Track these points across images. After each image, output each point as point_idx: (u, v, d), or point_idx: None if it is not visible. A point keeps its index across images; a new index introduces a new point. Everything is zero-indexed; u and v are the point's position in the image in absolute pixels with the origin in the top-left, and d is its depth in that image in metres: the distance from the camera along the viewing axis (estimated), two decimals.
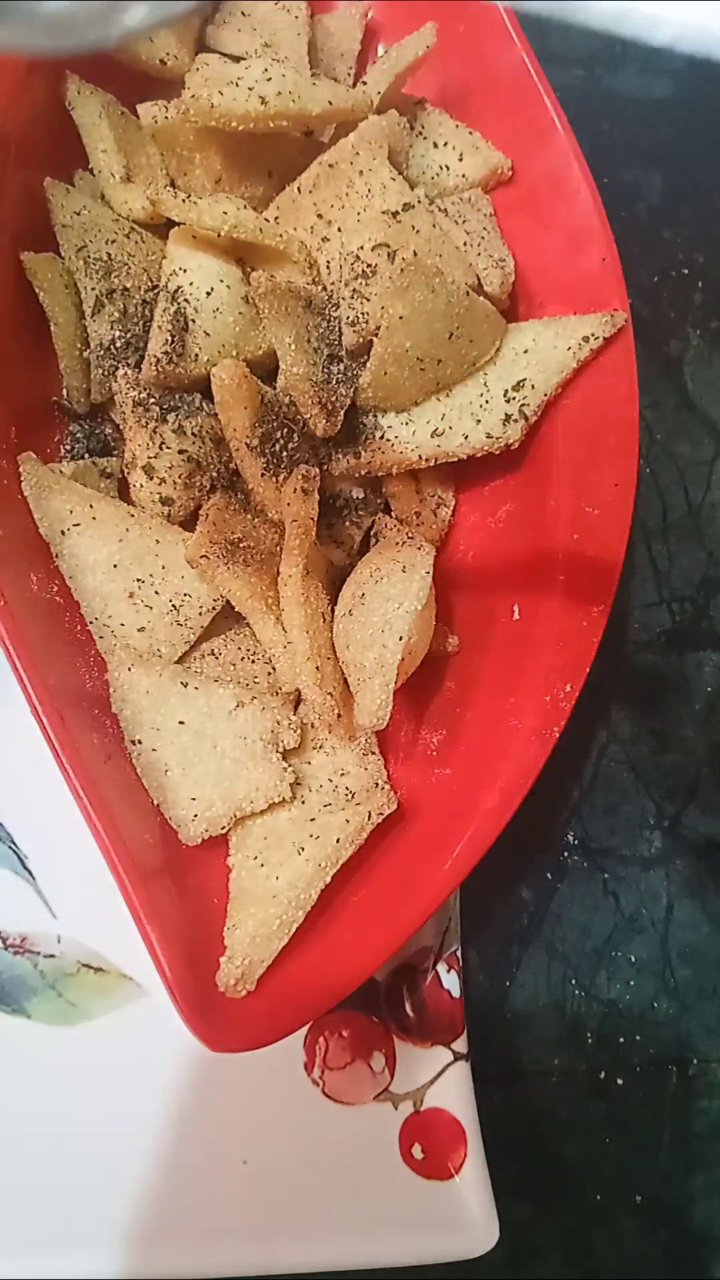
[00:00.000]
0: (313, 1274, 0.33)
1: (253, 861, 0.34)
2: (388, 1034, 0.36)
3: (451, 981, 0.37)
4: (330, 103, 0.37)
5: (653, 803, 0.42)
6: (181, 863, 0.34)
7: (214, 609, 0.36)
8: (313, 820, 0.34)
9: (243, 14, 0.41)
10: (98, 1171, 0.32)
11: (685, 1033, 0.39)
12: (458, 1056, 0.36)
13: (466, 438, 0.38)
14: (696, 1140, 0.38)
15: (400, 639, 0.33)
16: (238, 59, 0.39)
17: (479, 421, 0.38)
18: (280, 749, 0.35)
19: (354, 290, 0.37)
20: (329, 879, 0.33)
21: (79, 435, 0.38)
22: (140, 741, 0.34)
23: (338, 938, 0.32)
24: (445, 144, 0.41)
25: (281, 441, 0.37)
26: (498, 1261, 0.35)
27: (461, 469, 0.40)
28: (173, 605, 0.36)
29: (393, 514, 0.40)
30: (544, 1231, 0.37)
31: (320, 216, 0.38)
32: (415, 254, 0.36)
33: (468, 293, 0.37)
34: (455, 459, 0.38)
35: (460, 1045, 0.36)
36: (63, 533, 0.35)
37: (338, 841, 0.33)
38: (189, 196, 0.36)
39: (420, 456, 0.38)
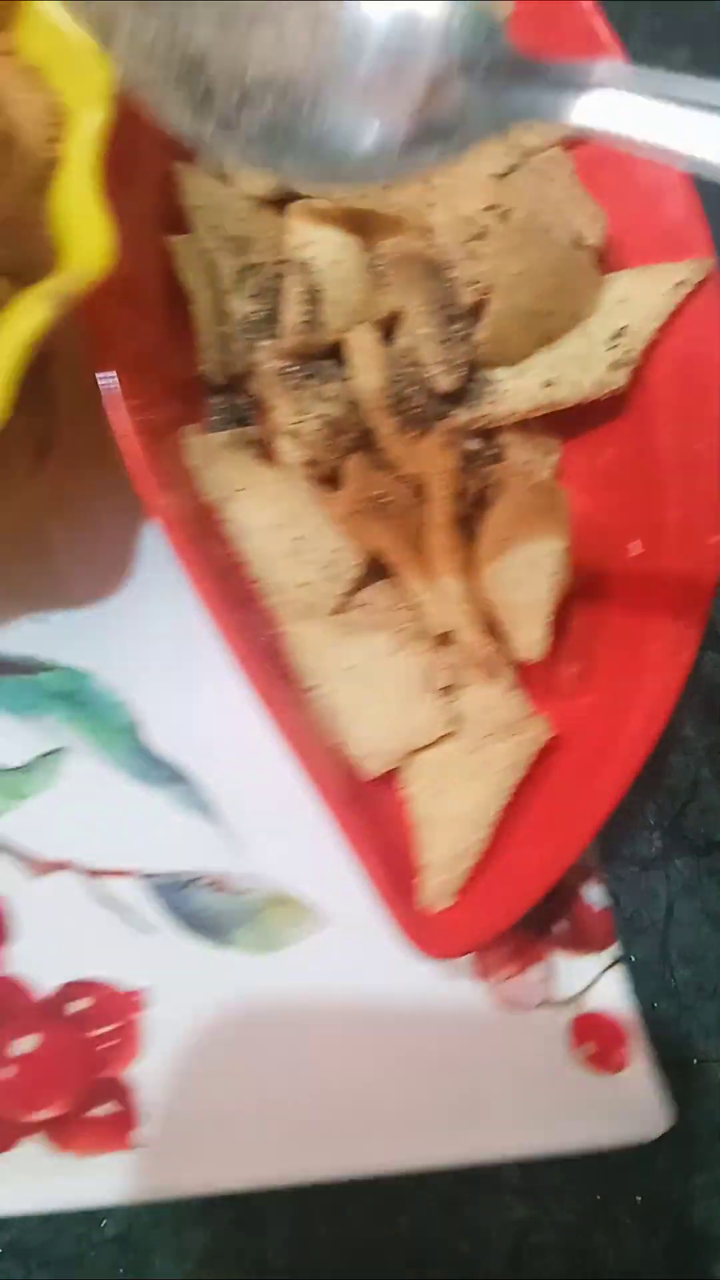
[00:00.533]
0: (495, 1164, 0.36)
1: (429, 791, 0.37)
2: (544, 946, 0.39)
3: (596, 895, 0.40)
4: None
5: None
6: (364, 795, 0.37)
7: (364, 562, 0.39)
8: (477, 751, 0.37)
9: None
10: (304, 1078, 0.34)
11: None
12: (612, 962, 0.39)
13: (577, 386, 0.40)
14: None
15: (550, 575, 0.36)
16: None
17: (586, 370, 0.41)
18: (436, 688, 0.38)
19: (469, 251, 0.39)
20: (505, 801, 0.36)
21: (220, 407, 0.40)
22: (316, 687, 0.37)
23: (517, 854, 0.35)
24: None
25: (410, 400, 0.40)
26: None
27: (564, 417, 0.43)
28: (327, 561, 0.38)
29: (504, 463, 0.43)
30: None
31: (426, 183, 0.41)
32: (529, 214, 0.38)
33: (573, 247, 0.40)
34: (566, 406, 0.41)
35: (612, 952, 0.39)
36: (227, 499, 0.38)
37: (508, 767, 0.36)
38: None
39: (534, 406, 0.40)
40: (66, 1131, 0.32)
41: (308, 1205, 0.35)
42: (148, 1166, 0.31)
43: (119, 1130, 0.32)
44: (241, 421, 0.41)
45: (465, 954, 0.35)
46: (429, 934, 0.33)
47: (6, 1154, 0.31)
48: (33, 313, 0.30)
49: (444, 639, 0.39)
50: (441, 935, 0.33)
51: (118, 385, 0.34)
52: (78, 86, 0.32)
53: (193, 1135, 0.32)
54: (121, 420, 0.34)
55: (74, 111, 0.32)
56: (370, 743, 0.37)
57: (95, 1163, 0.31)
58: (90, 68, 0.32)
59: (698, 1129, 0.39)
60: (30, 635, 0.37)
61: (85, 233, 0.31)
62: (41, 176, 0.32)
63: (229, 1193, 0.32)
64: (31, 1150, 0.31)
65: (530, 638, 0.36)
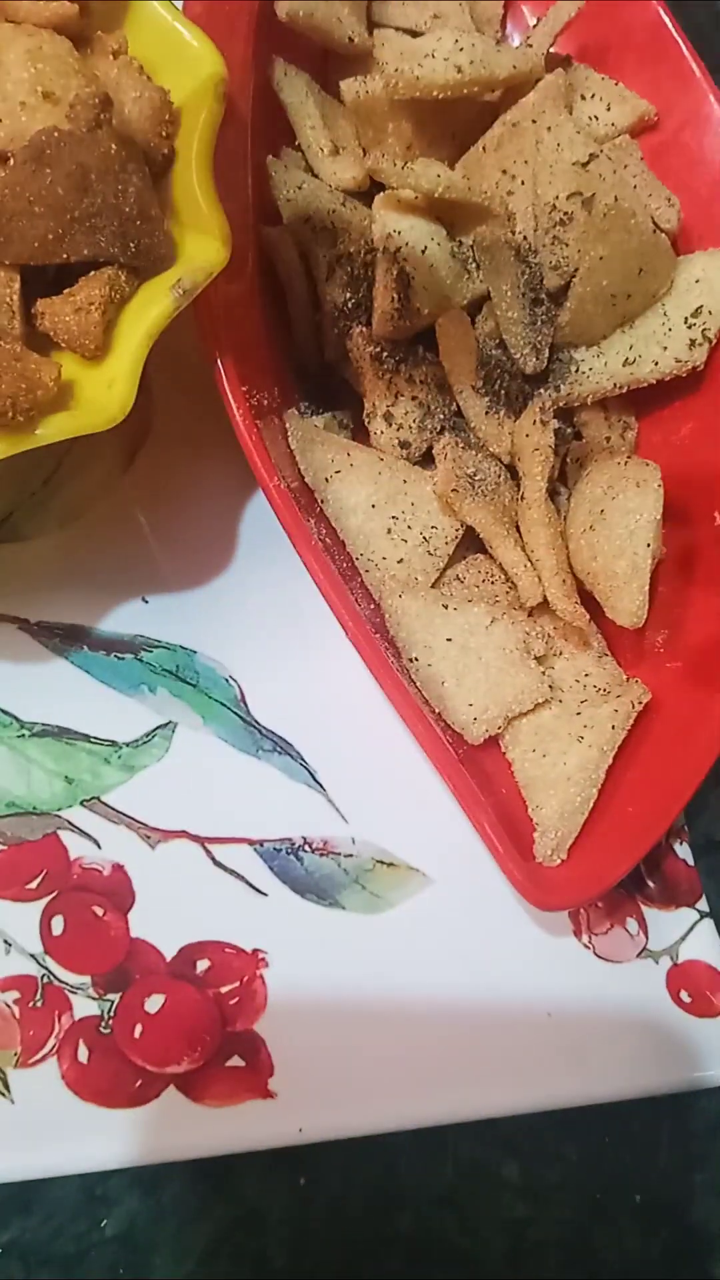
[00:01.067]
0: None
1: (533, 754, 0.38)
2: (635, 902, 0.41)
3: (684, 852, 0.41)
4: (514, 66, 0.40)
5: None
6: (471, 757, 0.38)
7: (457, 537, 0.40)
8: (578, 715, 0.38)
9: None
10: (416, 1030, 0.36)
11: None
12: (701, 915, 0.40)
13: (656, 364, 0.41)
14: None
15: (648, 545, 0.38)
16: (411, 32, 0.43)
17: (665, 348, 0.42)
18: (532, 656, 0.39)
19: (554, 237, 0.40)
20: (611, 760, 0.37)
21: (313, 392, 0.42)
22: (417, 659, 0.38)
23: (622, 810, 0.37)
24: (593, 95, 0.45)
25: (498, 381, 0.41)
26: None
27: (639, 394, 0.44)
28: (424, 537, 0.40)
29: (584, 440, 0.44)
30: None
31: (504, 172, 0.42)
32: (616, 200, 0.39)
33: (654, 231, 0.41)
34: (646, 384, 0.42)
35: (702, 905, 0.41)
36: (326, 480, 0.39)
37: (613, 729, 0.37)
38: (406, 164, 0.39)
39: (614, 385, 0.42)
40: (203, 1083, 0.33)
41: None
42: (281, 1114, 0.33)
43: (253, 1080, 0.33)
44: (333, 406, 0.43)
45: (578, 906, 0.37)
46: (544, 888, 0.34)
47: (149, 1106, 0.32)
48: (157, 305, 0.31)
49: (537, 609, 0.41)
50: (556, 889, 0.34)
51: (228, 372, 0.35)
52: (185, 83, 0.33)
53: (320, 1084, 0.34)
54: (233, 405, 0.35)
55: (183, 108, 0.33)
56: (473, 710, 0.38)
57: (232, 1111, 0.33)
58: (197, 65, 0.33)
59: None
60: (136, 616, 0.39)
61: (202, 226, 0.32)
62: (156, 172, 0.33)
63: (359, 1135, 0.34)
64: (172, 1101, 0.33)
65: (632, 605, 0.37)
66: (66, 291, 0.31)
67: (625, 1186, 0.38)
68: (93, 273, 0.31)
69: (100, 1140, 0.32)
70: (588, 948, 0.39)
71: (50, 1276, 0.34)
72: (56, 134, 0.30)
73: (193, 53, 0.33)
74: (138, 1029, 0.34)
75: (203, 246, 0.32)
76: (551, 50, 0.44)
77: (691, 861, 0.41)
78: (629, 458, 0.41)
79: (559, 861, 0.35)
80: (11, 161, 0.30)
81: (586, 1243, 0.38)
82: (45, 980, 0.34)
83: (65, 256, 0.31)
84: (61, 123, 0.31)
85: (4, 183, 0.30)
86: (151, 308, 0.31)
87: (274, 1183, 0.36)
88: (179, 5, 0.36)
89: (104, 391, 0.31)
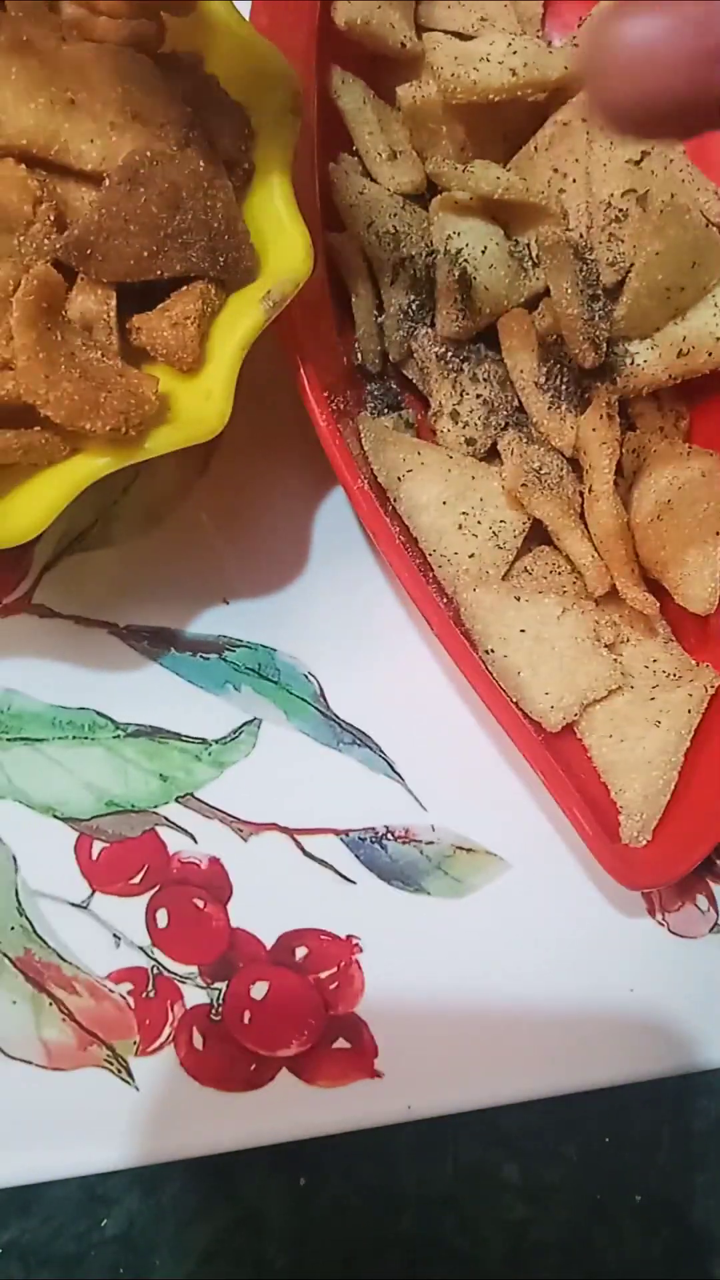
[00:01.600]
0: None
1: (610, 739, 0.39)
2: (705, 880, 0.42)
3: None
4: (565, 67, 0.41)
5: None
6: (551, 744, 0.39)
7: (525, 531, 0.41)
8: (652, 700, 0.40)
9: None
10: (502, 1010, 0.37)
11: None
12: None
13: (710, 354, 0.42)
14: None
15: (717, 533, 0.39)
16: (459, 35, 0.43)
17: (719, 338, 0.43)
18: (603, 644, 0.41)
19: (610, 234, 0.41)
20: (689, 743, 0.38)
21: (376, 393, 0.43)
22: (493, 650, 0.39)
23: (700, 792, 0.38)
24: None
25: (558, 377, 0.42)
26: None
27: (691, 384, 0.45)
28: (493, 531, 0.41)
29: (637, 431, 0.45)
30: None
31: (556, 170, 0.43)
32: (671, 196, 0.40)
33: (707, 224, 0.42)
34: (701, 374, 0.43)
35: None
36: (399, 479, 0.40)
37: (689, 712, 0.39)
38: (465, 167, 0.40)
39: (669, 376, 0.43)
40: (313, 1065, 0.35)
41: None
42: (390, 1093, 0.34)
43: (360, 1061, 0.35)
44: (394, 407, 0.44)
45: (664, 884, 0.38)
46: (632, 868, 0.35)
47: (265, 1088, 0.34)
48: (249, 316, 0.32)
49: (602, 599, 0.42)
50: (643, 869, 0.36)
51: (310, 377, 0.36)
52: (261, 98, 0.34)
53: (423, 1063, 0.35)
54: (315, 409, 0.36)
55: (260, 122, 0.34)
56: (549, 698, 0.39)
57: (343, 1092, 0.34)
58: (273, 80, 0.34)
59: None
60: (218, 617, 0.40)
61: (285, 239, 0.33)
62: (236, 186, 0.34)
63: (463, 1111, 0.35)
64: (287, 1083, 0.34)
65: (704, 592, 0.38)
66: (161, 306, 0.32)
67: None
68: (185, 288, 0.32)
69: (223, 1123, 0.33)
70: (661, 925, 0.40)
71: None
72: (149, 154, 0.31)
73: (268, 68, 0.34)
74: (246, 1015, 0.35)
75: (286, 257, 0.33)
76: None
77: None
78: (690, 448, 0.42)
79: (645, 842, 0.37)
80: (106, 182, 0.31)
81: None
82: (155, 971, 0.35)
83: (159, 273, 0.32)
84: (150, 142, 0.32)
85: (100, 203, 0.31)
86: (243, 319, 0.32)
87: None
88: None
89: (202, 403, 0.32)
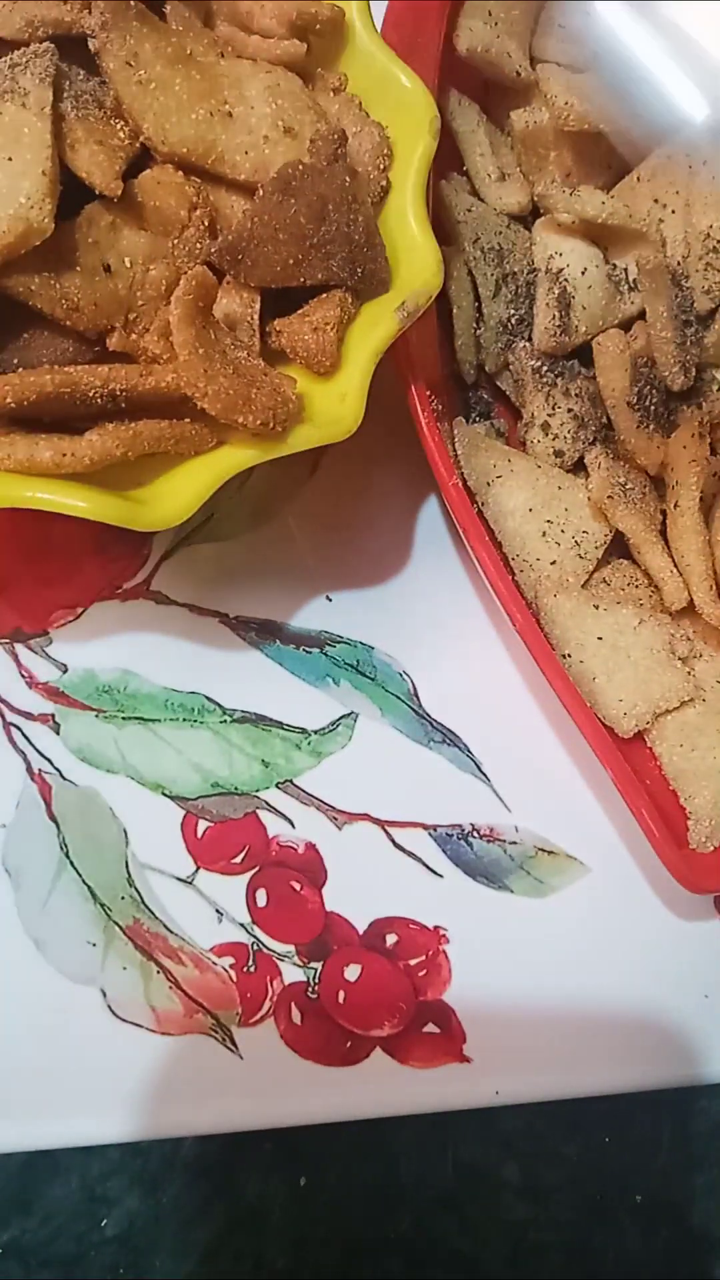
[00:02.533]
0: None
1: (681, 748, 0.41)
2: None
3: None
4: None
5: None
6: (624, 748, 0.41)
7: (606, 542, 0.43)
8: None
9: (559, 25, 0.47)
10: (583, 1007, 0.38)
11: None
12: None
13: None
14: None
15: None
16: (571, 68, 0.45)
17: None
18: (677, 657, 0.42)
19: (707, 263, 0.43)
20: None
21: (470, 402, 0.44)
22: (570, 655, 0.41)
23: None
24: None
25: (648, 398, 0.44)
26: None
27: None
28: (575, 540, 0.42)
29: (716, 455, 0.47)
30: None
31: (656, 201, 0.45)
32: None
33: None
34: None
35: None
36: (488, 484, 0.42)
37: None
38: (573, 191, 0.42)
39: None
40: (405, 1046, 0.36)
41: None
42: (478, 1078, 0.36)
43: (450, 1046, 0.36)
44: (486, 416, 0.45)
45: None
46: (698, 872, 0.37)
47: (361, 1065, 0.35)
48: (384, 325, 0.34)
49: (679, 613, 0.43)
50: (708, 872, 0.37)
51: (417, 382, 0.38)
52: (398, 119, 0.36)
53: (509, 1051, 0.36)
54: (419, 411, 0.38)
55: (398, 141, 0.36)
56: (623, 705, 0.40)
57: (434, 1074, 0.35)
58: (411, 103, 0.36)
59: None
60: (321, 614, 0.41)
61: (419, 253, 0.35)
62: (375, 204, 0.36)
63: (546, 1100, 0.36)
64: (381, 1062, 0.35)
65: None
66: (301, 311, 0.34)
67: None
68: (324, 295, 0.34)
69: (320, 1096, 0.34)
70: None
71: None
72: (301, 167, 0.32)
73: (406, 92, 0.36)
74: (341, 995, 0.36)
75: (418, 271, 0.35)
76: None
77: None
78: None
79: (713, 848, 0.38)
80: (260, 192, 0.32)
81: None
82: (255, 948, 0.36)
83: (302, 280, 0.33)
84: (301, 156, 0.33)
85: (253, 211, 0.32)
86: (378, 327, 0.34)
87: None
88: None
89: (337, 404, 0.33)
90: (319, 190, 0.33)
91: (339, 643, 0.41)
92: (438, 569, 0.43)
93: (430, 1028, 0.36)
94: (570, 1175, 0.39)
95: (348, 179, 0.33)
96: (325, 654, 0.41)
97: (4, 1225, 0.35)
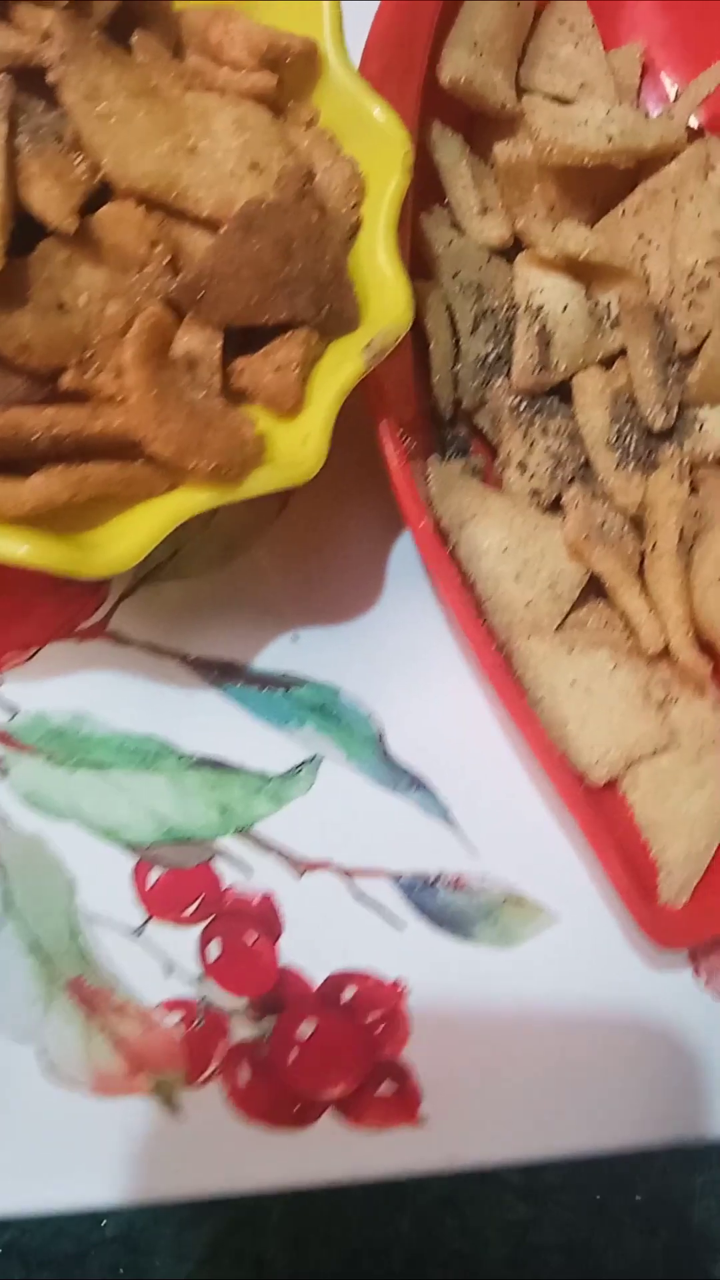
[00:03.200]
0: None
1: (653, 797, 0.40)
2: None
3: None
4: (661, 138, 0.42)
5: None
6: (595, 797, 0.40)
7: (583, 583, 0.42)
8: (698, 762, 0.40)
9: (549, 56, 0.46)
10: (546, 1064, 0.37)
11: None
12: None
13: None
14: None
15: None
16: (558, 98, 0.44)
17: None
18: (652, 703, 0.41)
19: (690, 301, 0.42)
20: None
21: (446, 439, 0.43)
22: (543, 699, 0.40)
23: None
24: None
25: (628, 437, 0.43)
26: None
27: None
28: (550, 582, 0.41)
29: (699, 494, 0.46)
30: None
31: (641, 236, 0.44)
32: None
33: None
34: None
35: None
36: (461, 524, 0.41)
37: None
38: (554, 227, 0.41)
39: None
40: (358, 1109, 0.35)
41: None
42: (433, 1142, 0.34)
43: (404, 1107, 0.35)
44: (462, 453, 0.44)
45: (698, 944, 0.38)
46: (667, 928, 0.36)
47: (310, 1129, 0.34)
48: (349, 365, 0.33)
49: (656, 657, 0.42)
50: (678, 929, 0.36)
51: (388, 419, 0.37)
52: (372, 153, 0.35)
53: (467, 1113, 0.35)
54: (389, 449, 0.37)
55: (369, 176, 0.35)
56: (595, 752, 0.40)
57: (387, 1137, 0.34)
58: (385, 138, 0.35)
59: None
60: (286, 653, 0.40)
61: (388, 292, 0.34)
62: (344, 240, 0.35)
63: (502, 1166, 0.35)
64: (331, 1126, 0.34)
65: None
66: (265, 350, 0.33)
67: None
68: (289, 334, 0.33)
69: (267, 1162, 0.33)
70: (705, 986, 0.41)
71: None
72: (265, 203, 0.32)
73: (379, 126, 0.35)
74: (293, 1054, 0.35)
75: (386, 309, 0.34)
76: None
77: None
78: None
79: (683, 902, 0.37)
80: (223, 229, 0.32)
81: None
82: (205, 1004, 0.35)
83: (266, 319, 0.32)
84: (267, 192, 0.32)
85: (215, 248, 0.31)
86: (344, 367, 0.33)
87: None
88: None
89: (299, 447, 0.32)
90: (284, 227, 0.32)
91: (304, 684, 0.40)
92: (410, 608, 0.42)
93: (385, 1088, 0.35)
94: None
95: (315, 215, 0.32)
96: (290, 696, 0.40)
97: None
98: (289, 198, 0.32)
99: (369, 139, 0.35)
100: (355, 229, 0.35)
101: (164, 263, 0.32)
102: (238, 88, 0.34)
